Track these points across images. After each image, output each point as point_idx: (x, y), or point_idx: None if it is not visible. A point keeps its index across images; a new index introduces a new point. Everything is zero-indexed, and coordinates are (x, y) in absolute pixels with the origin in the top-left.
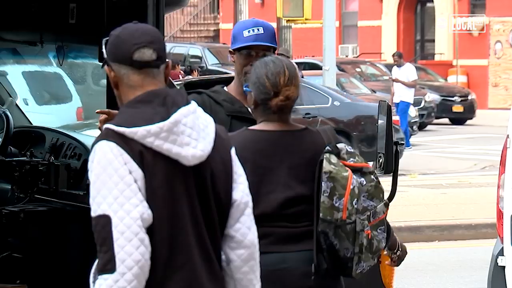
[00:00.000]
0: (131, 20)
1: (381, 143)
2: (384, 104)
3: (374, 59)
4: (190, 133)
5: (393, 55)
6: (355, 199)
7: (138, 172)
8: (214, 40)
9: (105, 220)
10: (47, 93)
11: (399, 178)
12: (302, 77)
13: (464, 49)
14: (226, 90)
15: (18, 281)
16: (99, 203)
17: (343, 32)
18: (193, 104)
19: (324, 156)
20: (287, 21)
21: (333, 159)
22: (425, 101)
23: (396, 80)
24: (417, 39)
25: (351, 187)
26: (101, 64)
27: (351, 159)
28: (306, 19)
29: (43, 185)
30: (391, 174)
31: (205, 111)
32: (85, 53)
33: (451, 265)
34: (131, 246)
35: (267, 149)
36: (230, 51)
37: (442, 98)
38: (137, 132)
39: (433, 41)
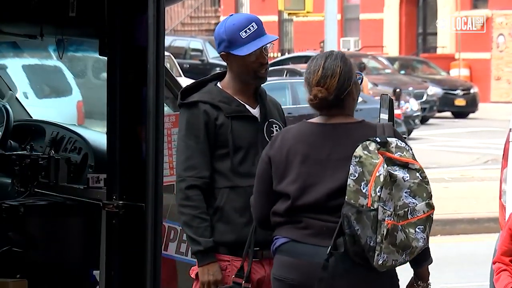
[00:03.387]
0: (131, 12)
1: None
2: (386, 97)
3: (376, 52)
4: None
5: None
6: (379, 187)
7: None
8: None
9: None
10: (47, 87)
11: None
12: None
13: (466, 43)
14: (220, 87)
15: (18, 275)
16: None
17: (345, 25)
18: None
19: (361, 143)
20: (289, 14)
21: (371, 146)
22: (427, 95)
23: None
24: (419, 32)
25: (377, 174)
26: (101, 57)
27: (399, 153)
28: (307, 12)
29: (43, 179)
30: None
31: (208, 121)
32: (86, 46)
33: (453, 260)
34: None
35: (317, 142)
36: (223, 54)
37: (444, 91)
38: None
39: (435, 34)
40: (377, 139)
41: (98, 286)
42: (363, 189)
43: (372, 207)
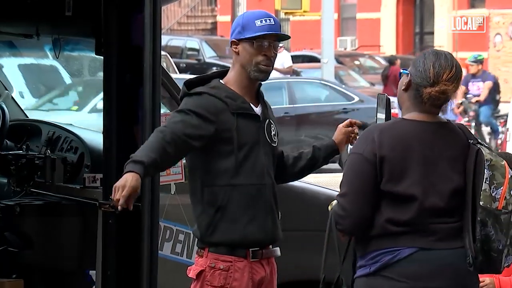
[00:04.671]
0: (128, 12)
1: None
2: (383, 97)
3: (372, 52)
4: None
5: None
6: None
7: None
8: (212, 33)
9: None
10: (43, 86)
11: None
12: None
13: (463, 42)
14: (223, 83)
15: (14, 275)
16: None
17: (342, 24)
18: None
19: (480, 146)
20: (285, 13)
21: (485, 149)
22: None
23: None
24: (416, 31)
25: (509, 176)
26: (97, 56)
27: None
28: (304, 11)
29: (39, 179)
30: None
31: (210, 112)
32: (82, 45)
33: None
34: None
35: (429, 140)
36: (234, 41)
37: None
38: None
39: (432, 33)
40: (478, 140)
41: (94, 286)
42: (493, 192)
43: (505, 210)
